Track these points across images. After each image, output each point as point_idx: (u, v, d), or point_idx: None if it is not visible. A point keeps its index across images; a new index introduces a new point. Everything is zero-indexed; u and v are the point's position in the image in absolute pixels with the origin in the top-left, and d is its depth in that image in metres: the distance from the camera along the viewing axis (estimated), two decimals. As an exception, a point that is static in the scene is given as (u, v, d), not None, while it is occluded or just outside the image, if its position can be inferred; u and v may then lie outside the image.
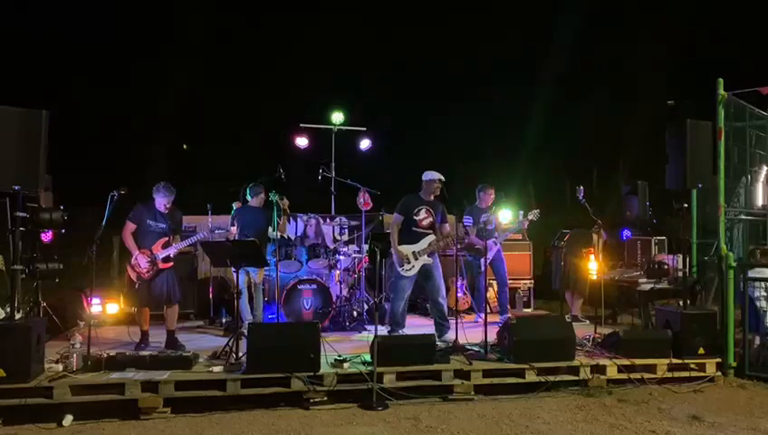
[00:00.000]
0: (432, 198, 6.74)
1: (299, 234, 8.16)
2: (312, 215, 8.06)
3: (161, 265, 6.18)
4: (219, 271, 8.06)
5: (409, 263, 6.54)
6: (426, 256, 6.57)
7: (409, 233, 6.59)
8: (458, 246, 6.88)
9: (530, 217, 7.88)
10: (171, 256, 6.25)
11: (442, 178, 6.69)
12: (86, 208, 7.27)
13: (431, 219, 6.67)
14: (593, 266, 7.63)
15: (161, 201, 6.23)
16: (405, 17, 16.04)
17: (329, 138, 9.78)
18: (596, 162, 13.87)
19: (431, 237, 6.62)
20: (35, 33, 13.09)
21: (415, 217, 6.61)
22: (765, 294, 6.20)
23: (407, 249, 6.55)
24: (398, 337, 6.19)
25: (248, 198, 7.34)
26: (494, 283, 8.29)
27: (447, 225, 6.82)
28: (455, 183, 6.88)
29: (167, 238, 6.26)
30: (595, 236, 7.77)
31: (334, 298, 7.53)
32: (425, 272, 6.62)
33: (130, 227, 6.19)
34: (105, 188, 5.70)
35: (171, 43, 14.25)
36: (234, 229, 6.85)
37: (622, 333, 6.12)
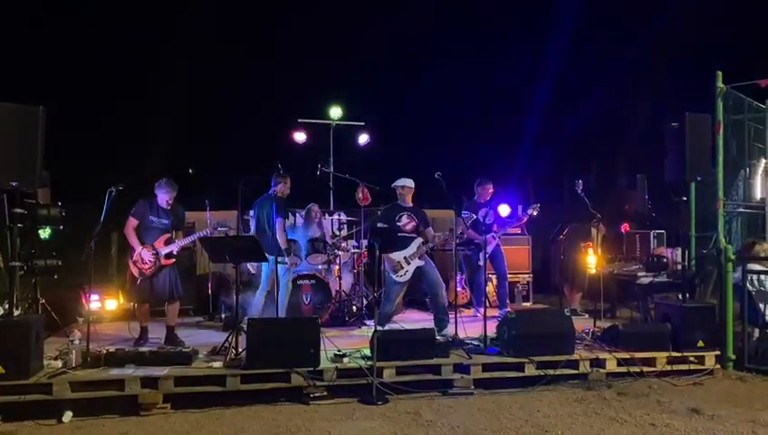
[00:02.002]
0: (409, 202, 6.86)
1: (299, 227, 8.15)
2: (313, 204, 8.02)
3: (163, 262, 6.17)
4: (218, 266, 8.05)
5: (403, 268, 6.63)
6: (417, 258, 6.65)
7: (396, 239, 6.69)
8: (457, 241, 6.89)
9: (530, 212, 7.88)
10: (174, 252, 6.24)
11: (412, 184, 6.88)
12: (84, 205, 7.25)
13: (414, 223, 6.79)
14: (592, 260, 7.63)
15: (164, 197, 6.22)
16: (404, 13, 16.00)
17: (327, 133, 9.76)
18: (595, 156, 13.85)
19: (418, 240, 6.72)
20: (35, 28, 13.05)
21: (398, 224, 6.74)
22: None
23: (397, 256, 6.62)
24: (397, 332, 6.20)
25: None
26: (493, 277, 8.29)
27: (431, 229, 6.93)
28: (454, 178, 6.88)
29: (169, 235, 6.26)
30: (594, 231, 7.78)
31: (333, 293, 7.53)
32: (420, 273, 6.70)
33: (133, 222, 6.18)
34: (103, 185, 5.69)
35: (171, 43, 14.21)
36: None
37: (621, 326, 6.13)
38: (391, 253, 6.64)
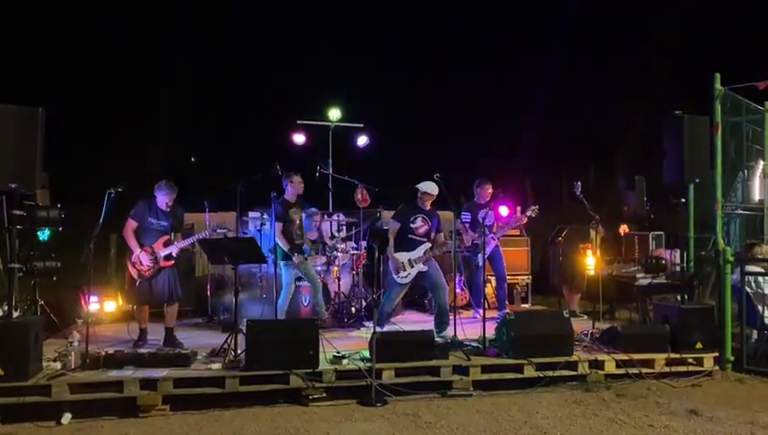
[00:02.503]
0: (428, 207, 6.85)
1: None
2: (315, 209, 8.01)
3: (163, 264, 6.17)
4: (217, 268, 8.04)
5: (405, 270, 6.66)
6: (421, 263, 6.67)
7: (406, 241, 6.71)
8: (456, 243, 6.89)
9: (528, 214, 7.89)
10: (173, 254, 6.24)
11: (434, 191, 6.72)
12: (83, 206, 7.26)
13: (427, 227, 6.80)
14: (591, 262, 7.64)
15: (163, 199, 6.22)
16: (403, 14, 16.02)
17: (326, 134, 9.76)
18: (593, 157, 13.88)
19: (426, 245, 6.73)
20: (35, 27, 13.07)
21: (411, 225, 6.74)
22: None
23: (403, 256, 6.64)
24: (396, 333, 6.20)
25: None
26: (492, 278, 8.29)
27: (442, 234, 6.96)
28: (453, 179, 6.90)
29: (168, 236, 6.26)
30: (593, 232, 7.79)
31: (332, 295, 7.52)
32: (426, 277, 6.72)
33: (132, 224, 6.17)
34: (102, 186, 5.69)
35: (171, 43, 14.23)
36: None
37: (620, 328, 6.13)
38: (397, 252, 6.65)
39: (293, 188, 7.05)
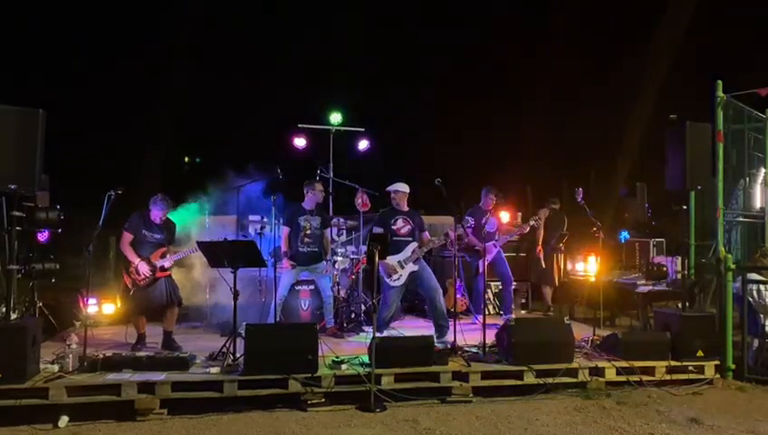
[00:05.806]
0: (405, 207, 6.87)
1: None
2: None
3: (158, 274, 6.16)
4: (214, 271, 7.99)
5: (397, 273, 6.66)
6: (411, 263, 6.66)
7: (392, 243, 6.67)
8: (457, 247, 6.89)
9: (531, 223, 7.88)
10: (167, 266, 6.23)
11: (407, 189, 6.91)
12: (83, 208, 7.24)
13: (410, 227, 6.83)
14: (592, 268, 7.62)
15: (157, 213, 6.23)
16: (403, 18, 16.06)
17: (327, 138, 9.74)
18: (594, 164, 13.88)
19: (414, 244, 6.74)
20: (35, 30, 13.12)
21: (393, 227, 6.77)
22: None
23: (392, 259, 6.64)
24: (396, 339, 6.17)
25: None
26: (493, 284, 8.26)
27: (427, 233, 6.96)
28: (453, 185, 6.89)
29: (164, 248, 6.25)
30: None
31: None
32: (416, 278, 6.70)
33: (128, 237, 6.16)
34: (102, 188, 5.68)
35: (171, 43, 14.25)
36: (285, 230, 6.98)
37: (621, 335, 6.10)
38: (386, 257, 6.63)
39: (314, 196, 7.08)
